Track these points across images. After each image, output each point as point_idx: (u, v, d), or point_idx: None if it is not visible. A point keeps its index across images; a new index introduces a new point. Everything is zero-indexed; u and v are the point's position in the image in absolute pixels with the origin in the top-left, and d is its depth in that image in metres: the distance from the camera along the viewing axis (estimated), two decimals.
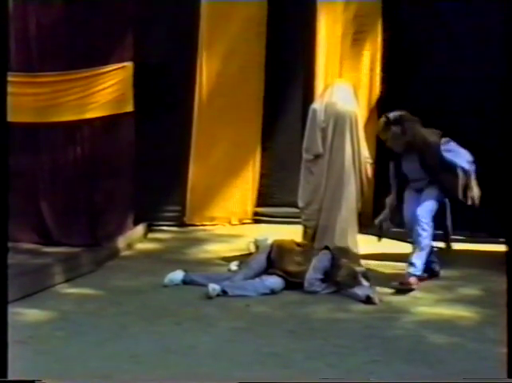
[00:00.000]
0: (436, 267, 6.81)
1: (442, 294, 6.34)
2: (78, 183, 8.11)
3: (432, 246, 6.73)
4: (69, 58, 8.08)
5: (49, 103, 7.70)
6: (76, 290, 6.51)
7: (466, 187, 6.58)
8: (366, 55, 8.88)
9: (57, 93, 7.99)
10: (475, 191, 6.59)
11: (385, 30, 8.82)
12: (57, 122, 8.00)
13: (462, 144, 7.18)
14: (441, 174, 6.62)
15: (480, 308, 5.89)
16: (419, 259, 6.46)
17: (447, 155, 6.58)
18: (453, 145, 6.69)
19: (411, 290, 6.31)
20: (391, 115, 6.71)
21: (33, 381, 3.97)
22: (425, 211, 6.55)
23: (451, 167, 6.57)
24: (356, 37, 8.84)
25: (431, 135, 6.70)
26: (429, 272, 6.69)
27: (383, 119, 6.80)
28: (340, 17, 8.74)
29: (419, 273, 6.45)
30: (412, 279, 6.38)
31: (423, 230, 6.50)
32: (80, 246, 7.72)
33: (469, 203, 6.60)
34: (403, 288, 6.30)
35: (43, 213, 7.89)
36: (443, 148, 6.59)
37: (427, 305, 6.03)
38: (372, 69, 8.91)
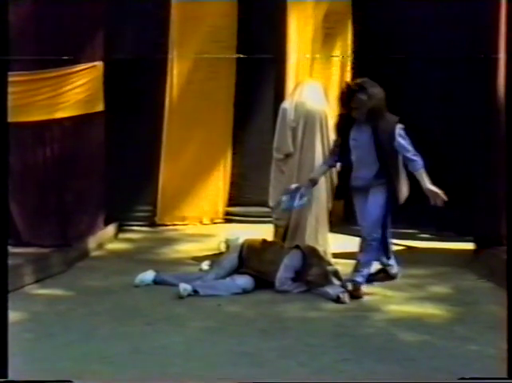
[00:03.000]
0: (393, 270, 6.63)
1: (412, 293, 6.38)
2: (48, 184, 8.05)
3: (387, 250, 6.55)
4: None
5: (18, 103, 7.61)
6: (46, 290, 6.47)
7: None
8: (337, 53, 8.92)
9: (27, 93, 7.91)
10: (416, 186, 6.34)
11: (355, 29, 8.87)
12: (27, 122, 7.92)
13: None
14: (391, 158, 6.29)
15: (449, 306, 5.94)
16: (368, 266, 6.32)
17: (400, 141, 6.24)
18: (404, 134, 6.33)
19: (361, 297, 6.19)
20: (355, 82, 6.38)
21: (34, 380, 3.97)
22: (372, 224, 6.30)
23: (398, 155, 6.28)
24: (327, 36, 8.88)
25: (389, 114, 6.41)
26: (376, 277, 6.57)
27: (346, 87, 6.43)
28: (310, 17, 8.78)
29: (362, 281, 6.26)
30: (358, 290, 6.20)
31: (369, 245, 6.27)
32: (50, 246, 7.66)
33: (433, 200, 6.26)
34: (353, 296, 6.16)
35: (12, 214, 7.81)
36: (398, 131, 6.25)
37: (397, 303, 6.07)
38: (342, 68, 8.96)
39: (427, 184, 6.24)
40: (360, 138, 6.27)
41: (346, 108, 6.33)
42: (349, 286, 6.18)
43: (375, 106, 6.23)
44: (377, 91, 6.29)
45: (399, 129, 6.27)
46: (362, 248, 6.32)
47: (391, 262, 6.63)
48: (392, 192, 6.31)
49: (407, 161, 6.29)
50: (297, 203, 6.44)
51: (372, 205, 6.28)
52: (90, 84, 8.16)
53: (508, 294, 4.06)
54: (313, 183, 6.55)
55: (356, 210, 6.51)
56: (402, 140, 6.27)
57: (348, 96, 6.28)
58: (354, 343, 5.09)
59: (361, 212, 6.41)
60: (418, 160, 6.30)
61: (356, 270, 6.25)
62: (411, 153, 6.27)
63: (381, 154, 6.24)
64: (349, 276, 6.29)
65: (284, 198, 6.54)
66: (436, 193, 6.15)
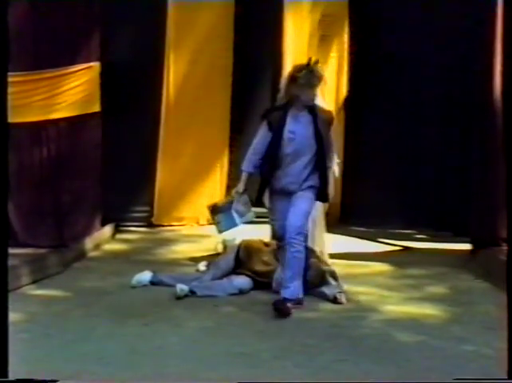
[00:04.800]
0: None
1: (409, 293, 6.39)
2: (44, 184, 8.05)
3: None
4: (35, 58, 8.00)
5: (15, 103, 7.57)
6: (43, 291, 6.46)
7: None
8: (333, 55, 8.94)
9: (23, 94, 7.91)
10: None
11: (352, 31, 8.88)
12: (23, 122, 7.92)
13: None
14: (329, 151, 5.85)
15: (446, 306, 5.94)
16: (295, 280, 5.78)
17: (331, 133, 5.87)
18: None
19: (290, 314, 5.65)
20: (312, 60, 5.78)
21: (34, 380, 3.97)
22: (297, 228, 5.73)
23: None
24: (323, 37, 8.90)
25: None
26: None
27: (312, 63, 5.70)
28: (307, 18, 8.80)
29: (297, 296, 5.78)
30: (290, 304, 5.69)
31: (298, 251, 5.75)
32: (46, 247, 7.66)
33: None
34: (281, 313, 5.62)
35: (9, 214, 7.80)
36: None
37: (394, 303, 6.08)
38: (339, 68, 8.98)
39: (331, 185, 5.95)
40: (298, 130, 5.72)
41: (293, 94, 5.68)
42: (278, 304, 5.67)
43: (321, 88, 5.85)
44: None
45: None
46: (285, 262, 5.80)
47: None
48: (320, 194, 5.88)
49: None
50: (239, 220, 5.90)
51: (296, 210, 5.75)
52: (86, 85, 8.16)
53: (508, 294, 4.06)
54: (239, 194, 5.98)
55: (277, 214, 5.94)
56: (331, 133, 5.89)
57: (320, 72, 5.75)
58: (351, 344, 5.09)
59: (283, 216, 5.83)
60: (334, 156, 6.01)
61: (283, 285, 5.77)
62: (332, 147, 5.92)
63: (320, 147, 5.73)
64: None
65: (220, 218, 5.91)
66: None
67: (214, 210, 6.03)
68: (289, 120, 5.74)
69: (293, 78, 5.65)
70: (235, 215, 5.89)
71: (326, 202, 6.10)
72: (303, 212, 5.78)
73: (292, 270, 5.75)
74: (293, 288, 5.75)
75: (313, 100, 5.75)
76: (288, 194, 5.82)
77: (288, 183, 5.80)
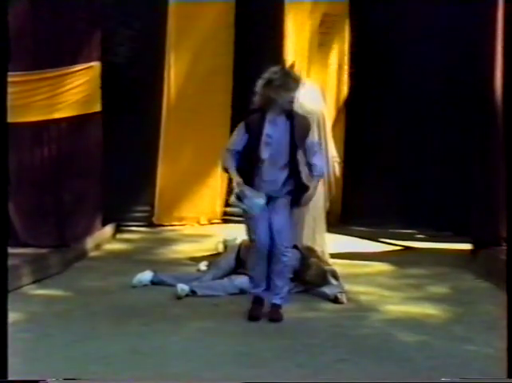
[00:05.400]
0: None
1: (410, 293, 6.39)
2: (46, 184, 8.05)
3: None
4: (36, 58, 8.01)
5: (16, 103, 7.60)
6: (44, 291, 6.47)
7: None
8: (334, 55, 8.95)
9: (24, 93, 7.92)
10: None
11: (353, 30, 8.88)
12: (24, 122, 7.92)
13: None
14: (310, 156, 5.62)
15: (447, 306, 5.94)
16: (285, 287, 5.73)
17: (312, 139, 5.74)
18: None
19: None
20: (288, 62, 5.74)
21: (34, 381, 3.96)
22: (285, 241, 5.59)
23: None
24: (324, 37, 8.90)
25: None
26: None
27: (288, 65, 5.70)
28: (307, 18, 8.80)
29: (282, 302, 5.71)
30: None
31: (288, 260, 5.68)
32: (47, 247, 7.66)
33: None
34: (276, 320, 5.57)
35: (10, 214, 7.80)
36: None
37: (395, 303, 6.07)
38: (339, 69, 8.98)
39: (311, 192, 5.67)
40: (275, 134, 5.53)
41: (268, 97, 5.48)
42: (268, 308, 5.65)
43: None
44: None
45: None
46: (274, 270, 5.62)
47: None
48: (297, 200, 5.67)
49: (308, 164, 5.63)
50: (258, 198, 5.50)
51: (282, 218, 5.58)
52: (87, 85, 8.16)
53: (508, 294, 4.06)
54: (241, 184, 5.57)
55: (260, 219, 5.57)
56: (313, 139, 5.77)
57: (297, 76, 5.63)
58: (352, 343, 5.09)
59: (263, 225, 5.56)
60: (320, 165, 5.68)
61: (275, 293, 5.66)
62: (317, 155, 5.68)
63: (294, 153, 5.54)
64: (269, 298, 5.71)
65: (246, 203, 5.54)
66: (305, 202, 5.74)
67: (239, 198, 5.65)
68: (266, 123, 5.55)
69: (268, 81, 5.48)
70: (254, 195, 5.52)
71: (299, 206, 5.85)
72: (288, 221, 5.66)
73: (284, 279, 5.71)
74: (284, 295, 5.72)
75: (289, 103, 5.59)
76: (268, 198, 5.59)
77: (268, 191, 5.57)
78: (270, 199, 5.57)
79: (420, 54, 8.76)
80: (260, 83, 5.55)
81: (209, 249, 7.71)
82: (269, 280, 5.66)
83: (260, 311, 5.66)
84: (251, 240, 5.76)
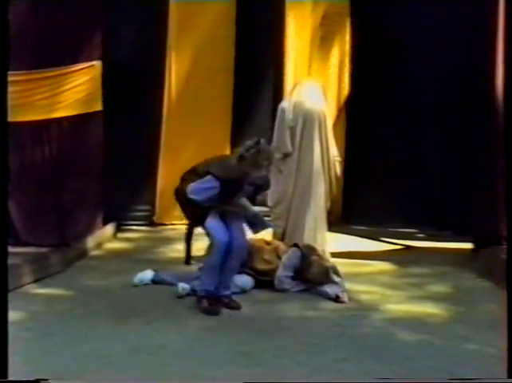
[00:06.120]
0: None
1: (411, 292, 6.39)
2: (46, 183, 8.05)
3: None
4: (37, 57, 8.01)
5: (17, 102, 7.62)
6: (45, 290, 6.46)
7: None
8: (335, 54, 8.94)
9: (25, 93, 7.92)
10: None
11: (353, 29, 8.88)
12: (25, 121, 7.93)
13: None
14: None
15: (448, 305, 5.94)
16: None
17: None
18: None
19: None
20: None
21: (35, 380, 3.95)
22: (246, 248, 6.09)
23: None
24: (325, 37, 8.90)
25: None
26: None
27: (261, 142, 5.81)
28: (308, 17, 8.80)
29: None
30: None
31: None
32: (48, 246, 7.66)
33: None
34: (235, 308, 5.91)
35: (11, 213, 7.81)
36: None
37: (396, 302, 6.07)
38: (340, 68, 8.98)
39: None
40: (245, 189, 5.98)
41: (241, 171, 5.76)
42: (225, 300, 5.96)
43: None
44: None
45: None
46: (229, 266, 5.94)
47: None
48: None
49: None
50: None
51: (243, 231, 6.03)
52: (88, 84, 8.17)
53: (508, 294, 4.06)
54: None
55: (219, 223, 5.90)
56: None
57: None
58: (353, 342, 5.09)
59: (223, 225, 5.93)
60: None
61: (225, 286, 5.99)
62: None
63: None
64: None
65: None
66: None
67: None
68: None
69: (241, 157, 5.73)
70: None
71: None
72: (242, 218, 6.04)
73: (234, 273, 6.10)
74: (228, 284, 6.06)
75: (265, 181, 6.01)
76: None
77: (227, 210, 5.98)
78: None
79: (421, 53, 8.75)
80: (234, 157, 5.80)
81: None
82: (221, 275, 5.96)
83: (220, 306, 5.86)
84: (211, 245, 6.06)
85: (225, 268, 5.91)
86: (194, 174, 5.92)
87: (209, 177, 5.78)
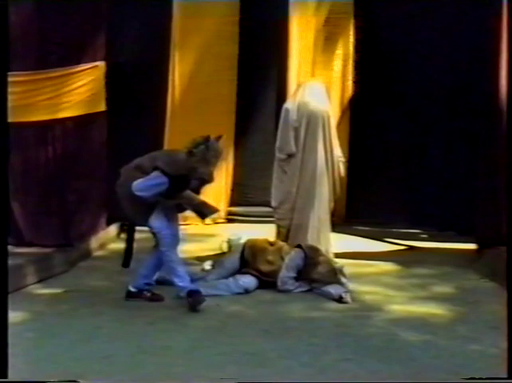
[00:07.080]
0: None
1: (414, 292, 6.38)
2: (50, 184, 8.05)
3: None
4: (41, 58, 8.01)
5: (20, 103, 7.62)
6: (49, 290, 6.47)
7: None
8: (338, 54, 8.95)
9: (29, 93, 7.92)
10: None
11: (357, 30, 8.88)
12: (29, 122, 7.93)
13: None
14: None
15: (452, 305, 5.94)
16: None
17: None
18: None
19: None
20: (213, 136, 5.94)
21: (35, 381, 3.95)
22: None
23: None
24: (329, 37, 8.90)
25: None
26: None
27: (211, 139, 5.88)
28: (312, 17, 8.81)
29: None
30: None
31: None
32: (52, 246, 7.66)
33: None
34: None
35: (15, 214, 7.82)
36: None
37: (399, 303, 6.07)
38: (344, 68, 8.98)
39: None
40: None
41: (190, 167, 5.81)
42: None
43: None
44: None
45: None
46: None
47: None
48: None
49: None
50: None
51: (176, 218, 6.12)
52: (92, 84, 8.16)
53: (508, 294, 4.05)
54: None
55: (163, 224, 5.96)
56: None
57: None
58: (356, 343, 5.09)
59: (166, 223, 5.99)
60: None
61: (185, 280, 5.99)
62: None
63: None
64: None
65: None
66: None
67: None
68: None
69: (190, 153, 5.76)
70: None
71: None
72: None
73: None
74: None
75: (209, 175, 5.93)
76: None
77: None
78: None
79: (425, 54, 8.75)
80: (182, 153, 5.83)
81: (213, 248, 7.71)
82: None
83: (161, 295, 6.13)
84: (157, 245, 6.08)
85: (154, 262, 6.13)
86: (138, 170, 5.89)
87: (156, 173, 5.77)
